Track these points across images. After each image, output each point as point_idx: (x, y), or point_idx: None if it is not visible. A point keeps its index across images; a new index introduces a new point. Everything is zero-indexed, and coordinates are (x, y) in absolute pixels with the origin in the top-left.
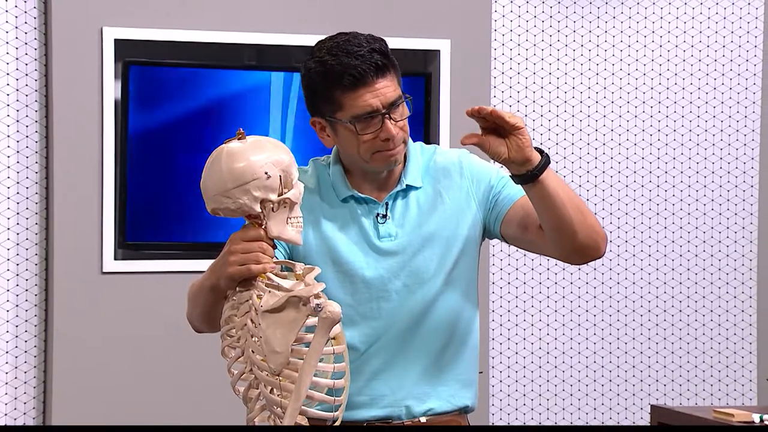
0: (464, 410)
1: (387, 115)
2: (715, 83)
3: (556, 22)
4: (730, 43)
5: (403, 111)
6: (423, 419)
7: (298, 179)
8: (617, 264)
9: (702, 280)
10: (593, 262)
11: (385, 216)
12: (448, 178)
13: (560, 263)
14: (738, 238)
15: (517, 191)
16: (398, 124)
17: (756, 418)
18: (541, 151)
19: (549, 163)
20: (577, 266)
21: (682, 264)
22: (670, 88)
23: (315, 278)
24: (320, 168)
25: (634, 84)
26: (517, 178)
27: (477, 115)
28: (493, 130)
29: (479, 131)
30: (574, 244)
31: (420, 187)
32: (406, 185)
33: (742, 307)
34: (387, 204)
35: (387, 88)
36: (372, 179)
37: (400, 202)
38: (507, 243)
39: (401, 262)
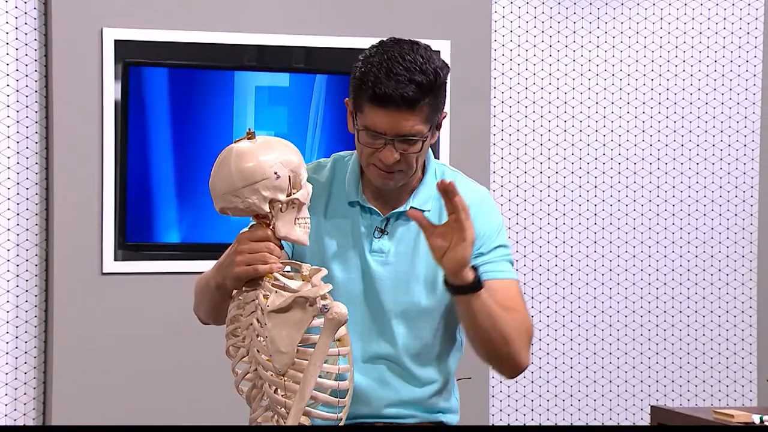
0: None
1: (392, 143)
2: (715, 84)
3: (556, 23)
4: (730, 44)
5: (417, 147)
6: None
7: (314, 174)
8: (617, 265)
9: (702, 281)
10: (595, 262)
11: (382, 231)
12: None
13: (560, 263)
14: (738, 239)
15: (497, 273)
16: (405, 154)
17: (756, 418)
18: (476, 280)
19: (479, 289)
20: (578, 268)
21: (682, 265)
22: (670, 88)
23: (322, 279)
24: (340, 163)
25: (634, 85)
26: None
27: (442, 191)
28: (451, 226)
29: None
30: (483, 357)
31: (427, 211)
32: (410, 207)
33: (742, 308)
34: (388, 220)
35: (405, 120)
36: (378, 188)
37: (402, 221)
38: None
39: (384, 281)
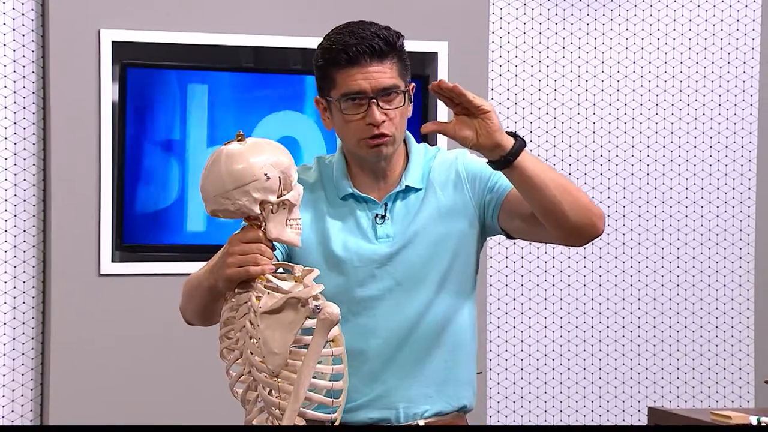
0: (463, 410)
1: (375, 100)
2: (713, 85)
3: (553, 24)
4: (728, 45)
5: (398, 101)
6: (421, 422)
7: (301, 175)
8: (615, 266)
9: (699, 282)
10: (592, 263)
11: (383, 217)
12: (446, 178)
13: (558, 264)
14: (735, 240)
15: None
16: (389, 115)
17: (753, 420)
18: (516, 135)
19: (523, 147)
20: (575, 269)
21: (680, 266)
22: (668, 90)
23: (314, 280)
24: (323, 164)
25: (631, 86)
26: (492, 164)
27: (438, 91)
28: (464, 114)
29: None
30: (567, 225)
31: (420, 189)
32: (406, 186)
33: (739, 309)
34: (386, 205)
35: (381, 73)
36: (372, 175)
37: (399, 203)
38: (510, 237)
39: (396, 263)
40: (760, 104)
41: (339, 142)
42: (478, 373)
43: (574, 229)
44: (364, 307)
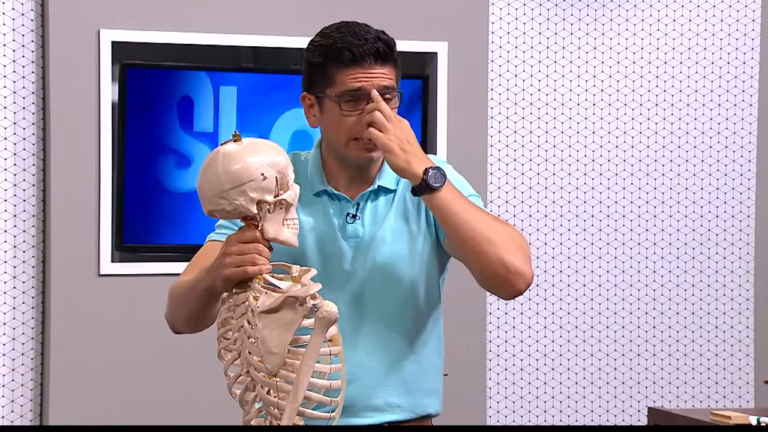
0: (427, 417)
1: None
2: (713, 86)
3: (553, 24)
4: (727, 45)
5: (392, 104)
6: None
7: None
8: (614, 266)
9: (699, 282)
10: (592, 263)
11: (354, 216)
12: None
13: (557, 264)
14: (735, 240)
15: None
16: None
17: (753, 420)
18: (427, 172)
19: (429, 187)
20: (575, 269)
21: (680, 266)
22: (667, 90)
23: (311, 279)
24: (298, 161)
25: (631, 86)
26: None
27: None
28: None
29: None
30: (478, 273)
31: (393, 191)
32: (378, 186)
33: (739, 309)
34: (358, 204)
35: (382, 75)
36: (347, 174)
37: (370, 204)
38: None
39: (363, 264)
40: (760, 104)
41: (316, 140)
42: (444, 375)
43: (485, 280)
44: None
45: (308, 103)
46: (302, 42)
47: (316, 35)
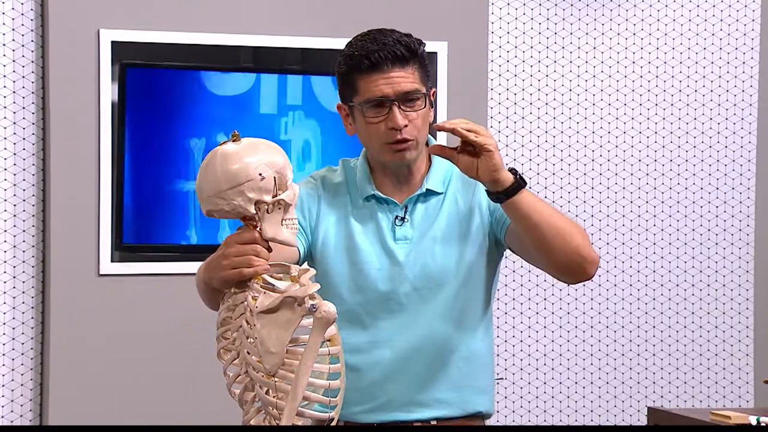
0: (478, 415)
1: (396, 103)
2: (712, 86)
3: (552, 24)
4: (727, 45)
5: (419, 105)
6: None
7: (327, 176)
8: (614, 267)
9: (699, 282)
10: None
11: (403, 219)
12: (465, 184)
13: None
14: (735, 240)
15: None
16: (409, 117)
17: (753, 420)
18: (516, 173)
19: (520, 187)
20: None
21: (679, 266)
22: (667, 90)
23: (310, 279)
24: (348, 167)
25: (630, 86)
26: (488, 195)
27: (441, 130)
28: (469, 145)
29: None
30: (555, 264)
31: (442, 193)
32: (427, 189)
33: (739, 309)
34: (406, 207)
35: (403, 78)
36: (394, 178)
37: (420, 206)
38: (517, 254)
39: (412, 266)
40: (760, 104)
41: (364, 149)
42: (498, 379)
43: (561, 269)
44: (379, 308)
45: (344, 113)
46: (302, 42)
47: (345, 45)
